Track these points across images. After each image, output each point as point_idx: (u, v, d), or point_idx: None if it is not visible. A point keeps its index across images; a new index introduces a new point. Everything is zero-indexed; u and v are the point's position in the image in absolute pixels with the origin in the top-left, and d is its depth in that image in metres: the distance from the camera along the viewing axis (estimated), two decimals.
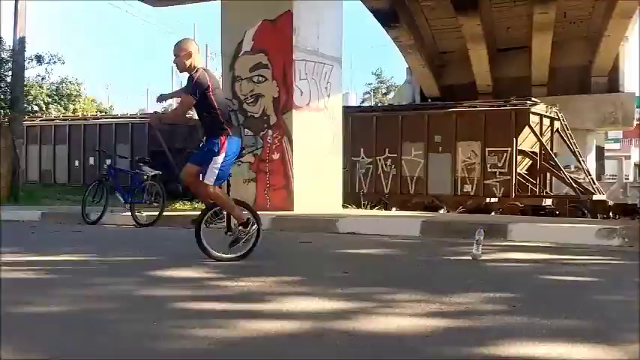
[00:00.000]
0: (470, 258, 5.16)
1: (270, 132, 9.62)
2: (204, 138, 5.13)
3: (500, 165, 13.91)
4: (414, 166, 14.77)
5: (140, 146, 16.32)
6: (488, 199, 14.19)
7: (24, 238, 7.50)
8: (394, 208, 13.89)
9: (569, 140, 15.59)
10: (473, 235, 5.33)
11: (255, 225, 5.15)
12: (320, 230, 7.64)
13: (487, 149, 13.98)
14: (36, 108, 25.48)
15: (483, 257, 5.18)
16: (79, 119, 19.67)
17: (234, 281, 4.14)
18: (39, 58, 18.04)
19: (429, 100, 25.50)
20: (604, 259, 5.48)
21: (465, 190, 14.31)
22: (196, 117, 5.30)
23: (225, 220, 5.25)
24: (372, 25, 66.63)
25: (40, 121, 19.50)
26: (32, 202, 13.30)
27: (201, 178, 5.02)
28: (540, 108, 14.40)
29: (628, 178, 27.28)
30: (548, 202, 14.59)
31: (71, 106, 28.78)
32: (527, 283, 4.17)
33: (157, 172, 9.08)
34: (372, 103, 45.29)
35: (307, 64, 9.73)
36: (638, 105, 27.43)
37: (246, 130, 9.74)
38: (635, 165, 29.54)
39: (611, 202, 15.21)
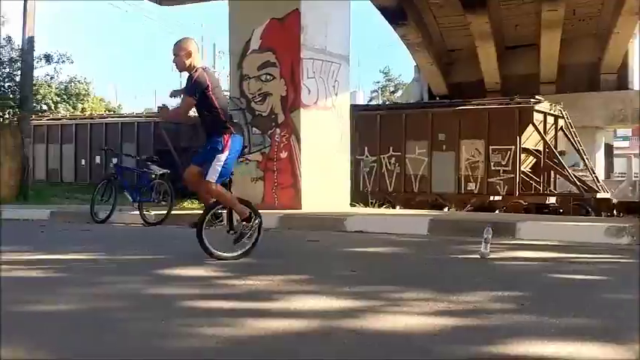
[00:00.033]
0: (478, 256, 5.15)
1: (277, 130, 9.62)
2: (207, 136, 5.13)
3: (503, 163, 13.90)
4: (417, 165, 14.77)
5: (146, 145, 16.38)
6: (491, 197, 14.18)
7: (33, 236, 7.55)
8: (398, 207, 13.88)
9: (574, 138, 15.56)
10: (481, 233, 5.31)
11: (258, 219, 5.17)
12: (328, 229, 7.63)
13: (491, 147, 13.97)
14: (45, 107, 25.59)
15: (492, 256, 5.16)
16: (85, 118, 19.77)
17: (242, 280, 4.14)
18: (48, 58, 18.14)
19: (437, 98, 25.45)
20: (613, 257, 5.45)
21: (468, 188, 14.30)
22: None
23: (224, 221, 5.24)
24: (379, 23, 66.39)
25: (47, 120, 19.62)
26: (41, 200, 13.37)
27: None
28: (544, 106, 14.36)
29: (638, 176, 27.12)
30: (552, 200, 14.56)
31: (80, 106, 28.90)
32: (536, 282, 4.15)
33: (165, 170, 9.11)
34: (380, 102, 45.27)
35: (315, 63, 9.72)
36: None
37: (254, 128, 9.75)
38: None
39: (615, 200, 15.17)
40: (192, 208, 10.88)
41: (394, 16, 22.55)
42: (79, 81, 29.49)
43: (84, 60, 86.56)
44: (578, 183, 14.36)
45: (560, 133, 15.30)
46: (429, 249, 6.15)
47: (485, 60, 24.06)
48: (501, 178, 13.93)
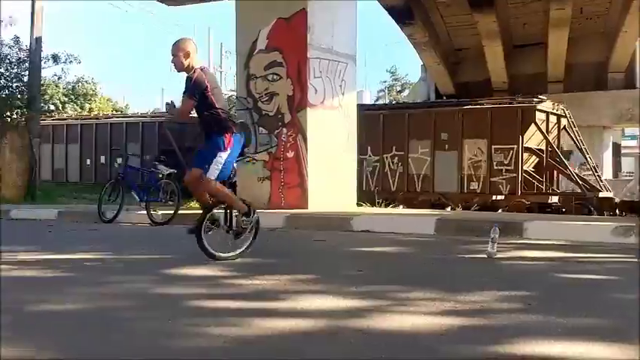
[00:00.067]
0: (485, 256, 5.14)
1: (284, 130, 9.63)
2: (206, 136, 5.11)
3: (506, 162, 13.90)
4: (420, 164, 14.77)
5: (150, 145, 16.46)
6: (494, 197, 14.17)
7: (41, 236, 7.58)
8: (401, 206, 13.88)
9: (576, 137, 15.52)
10: (487, 233, 5.30)
11: (256, 214, 5.25)
12: (334, 228, 7.63)
13: (493, 147, 13.97)
14: (52, 107, 25.65)
15: (498, 255, 5.15)
16: (90, 119, 19.88)
17: (249, 279, 4.15)
18: (55, 58, 18.12)
19: (444, 98, 25.41)
20: (621, 257, 5.43)
21: (471, 187, 14.30)
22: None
23: (222, 223, 5.23)
24: (386, 23, 66.43)
25: (53, 120, 19.75)
26: (49, 200, 13.42)
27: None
28: (547, 105, 14.33)
29: None
30: (555, 199, 14.53)
31: (87, 106, 29.01)
32: (543, 282, 4.14)
33: (172, 170, 9.14)
34: (387, 101, 45.18)
35: (322, 62, 9.72)
36: None
37: (260, 128, 9.76)
38: None
39: (617, 199, 15.13)
40: (198, 208, 10.87)
41: (401, 15, 22.51)
42: (86, 81, 29.62)
43: (90, 60, 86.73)
44: (580, 182, 14.32)
45: (563, 132, 15.27)
46: (436, 249, 6.15)
47: (493, 59, 23.99)
48: (504, 177, 13.93)
